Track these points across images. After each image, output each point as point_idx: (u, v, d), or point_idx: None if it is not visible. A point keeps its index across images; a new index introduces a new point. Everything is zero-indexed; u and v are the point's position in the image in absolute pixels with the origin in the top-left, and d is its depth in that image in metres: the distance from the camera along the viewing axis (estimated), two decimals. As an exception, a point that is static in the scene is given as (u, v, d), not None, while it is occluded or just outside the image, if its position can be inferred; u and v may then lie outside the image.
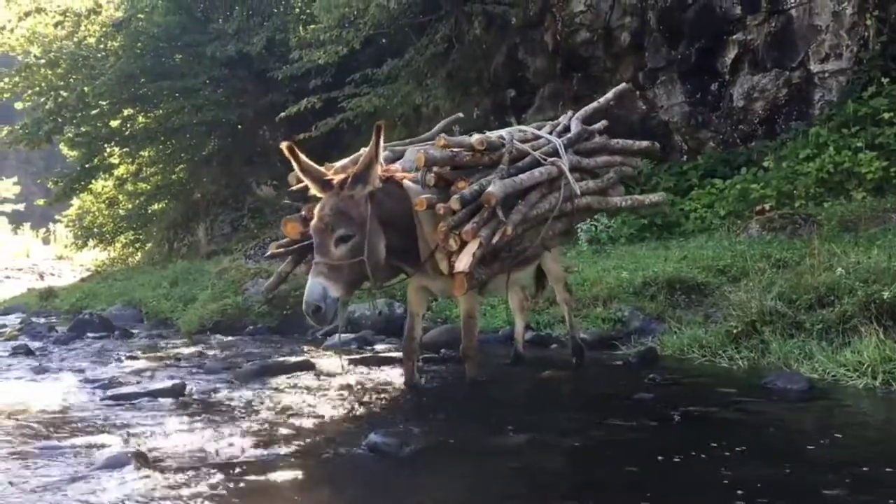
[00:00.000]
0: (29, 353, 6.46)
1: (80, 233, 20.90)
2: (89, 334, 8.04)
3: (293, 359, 5.43)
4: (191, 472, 2.97)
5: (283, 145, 3.96)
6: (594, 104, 5.41)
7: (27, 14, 16.38)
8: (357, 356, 5.70)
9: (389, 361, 5.40)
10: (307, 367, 5.15)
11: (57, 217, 27.42)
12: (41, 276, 20.93)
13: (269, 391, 4.49)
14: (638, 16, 11.31)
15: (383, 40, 14.74)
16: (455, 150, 4.21)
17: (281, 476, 2.95)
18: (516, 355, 5.34)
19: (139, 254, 20.30)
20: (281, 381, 4.77)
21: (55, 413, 4.05)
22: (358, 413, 3.98)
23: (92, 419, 3.85)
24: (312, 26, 14.08)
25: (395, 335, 6.76)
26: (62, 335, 8.00)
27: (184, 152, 18.11)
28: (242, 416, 3.86)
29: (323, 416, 3.87)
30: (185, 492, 2.76)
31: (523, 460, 3.09)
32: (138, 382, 4.76)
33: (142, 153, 18.19)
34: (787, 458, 2.95)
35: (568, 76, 12.28)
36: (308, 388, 4.55)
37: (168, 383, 4.53)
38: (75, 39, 16.37)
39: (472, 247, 3.90)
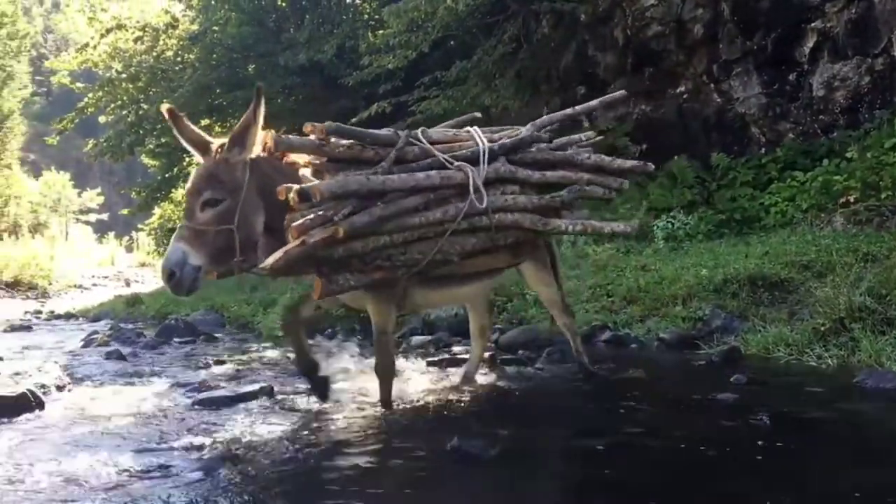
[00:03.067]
0: (121, 357, 6.71)
1: (161, 240, 21.58)
2: (175, 339, 8.30)
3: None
4: (281, 475, 3.06)
5: (164, 108, 3.85)
6: (567, 111, 4.88)
7: (109, 31, 17.03)
8: (434, 358, 5.75)
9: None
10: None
11: (139, 226, 28.43)
12: (127, 283, 21.69)
13: (354, 393, 4.57)
14: (711, 7, 11.07)
15: (451, 42, 14.80)
16: (321, 138, 3.77)
17: (367, 479, 3.01)
18: (465, 378, 4.85)
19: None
20: (363, 383, 4.84)
21: (151, 416, 4.21)
22: (439, 415, 4.02)
23: (186, 422, 3.99)
24: (381, 32, 14.24)
25: (470, 336, 6.80)
26: (150, 340, 8.28)
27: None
28: (329, 419, 3.95)
29: (406, 419, 3.92)
30: (275, 494, 2.84)
31: (608, 464, 3.07)
32: (227, 386, 4.90)
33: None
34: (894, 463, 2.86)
35: (639, 71, 12.10)
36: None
37: (256, 387, 4.66)
38: (154, 53, 16.95)
39: (291, 245, 3.57)
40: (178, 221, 18.91)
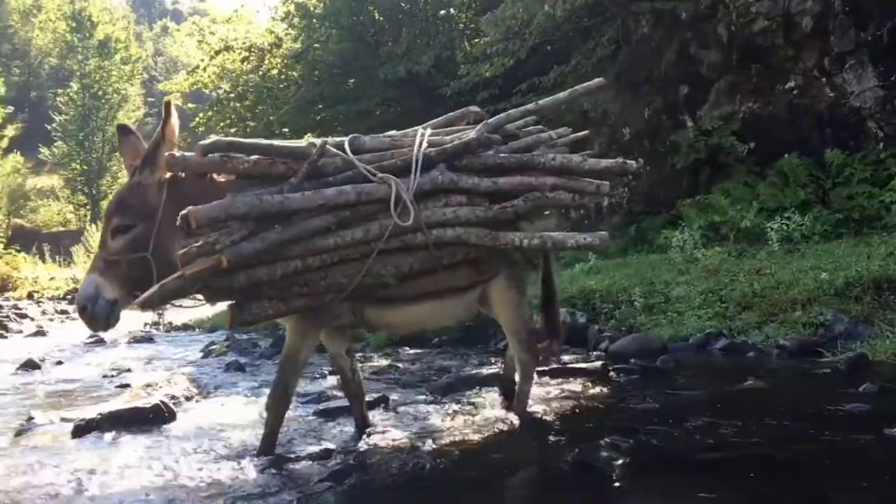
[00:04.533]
0: (240, 369, 6.98)
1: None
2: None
3: (484, 371, 5.53)
4: (404, 485, 3.12)
5: (119, 125, 3.79)
6: (528, 106, 4.30)
7: (218, 53, 17.79)
8: (543, 367, 5.72)
9: (578, 372, 5.38)
10: (497, 380, 5.21)
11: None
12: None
13: (466, 404, 4.61)
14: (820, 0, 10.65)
15: (548, 48, 14.74)
16: (223, 156, 3.43)
17: (487, 491, 3.03)
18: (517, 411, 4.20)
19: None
20: (475, 394, 4.88)
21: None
22: (557, 426, 4.00)
23: (310, 432, 4.12)
24: (477, 41, 14.35)
25: (579, 345, 6.75)
26: (265, 350, 8.56)
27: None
28: (444, 430, 3.99)
29: (522, 430, 3.93)
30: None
31: (734, 477, 3.00)
32: (344, 396, 5.02)
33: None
34: None
35: (745, 68, 11.73)
36: (498, 400, 4.63)
37: (371, 397, 4.76)
38: (260, 73, 17.59)
39: (170, 278, 3.18)
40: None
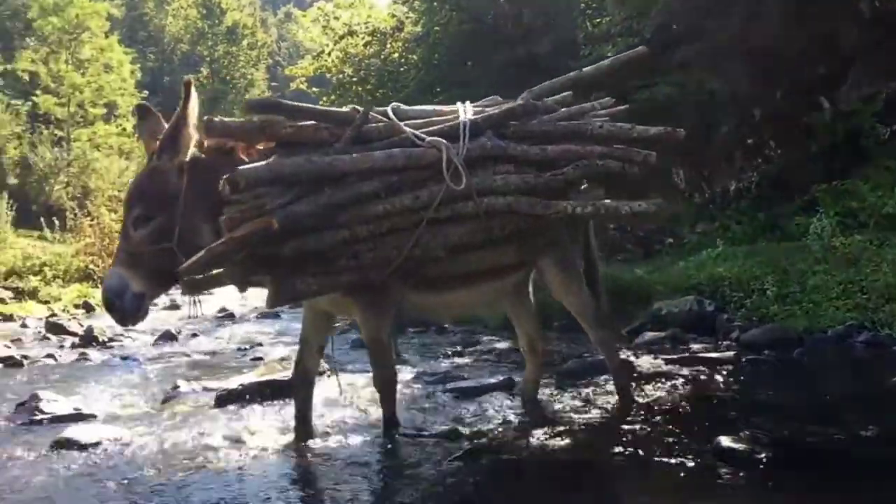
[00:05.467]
0: (363, 346, 7.14)
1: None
2: (409, 329, 8.67)
3: (612, 357, 5.45)
4: (532, 468, 3.13)
5: (138, 105, 3.64)
6: (570, 75, 4.11)
7: (342, 37, 18.19)
8: (673, 356, 5.60)
9: (708, 362, 5.23)
10: (626, 366, 5.13)
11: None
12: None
13: (592, 390, 4.57)
14: (978, -31, 9.87)
15: (674, 26, 14.27)
16: (263, 121, 3.33)
17: (623, 480, 3.01)
18: (526, 403, 4.25)
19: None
20: (601, 380, 4.82)
21: (404, 405, 4.46)
22: (690, 415, 3.92)
23: (438, 411, 4.20)
24: (600, 20, 14.07)
25: (706, 334, 6.56)
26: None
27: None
28: (572, 415, 3.97)
29: (653, 418, 3.86)
30: (534, 485, 2.91)
31: (880, 479, 2.86)
32: (470, 377, 5.08)
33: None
34: None
35: (890, 46, 11.02)
36: (634, 388, 4.56)
37: (498, 379, 4.79)
38: (382, 56, 17.87)
39: (216, 243, 3.08)
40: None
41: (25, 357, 7.06)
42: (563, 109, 3.89)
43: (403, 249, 3.37)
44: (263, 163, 3.17)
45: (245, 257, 3.19)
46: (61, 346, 8.10)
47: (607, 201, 3.70)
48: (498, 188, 3.52)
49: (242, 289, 3.61)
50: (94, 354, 7.20)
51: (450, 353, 6.39)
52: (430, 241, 3.42)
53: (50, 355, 7.26)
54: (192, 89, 3.31)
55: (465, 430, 3.70)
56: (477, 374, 5.16)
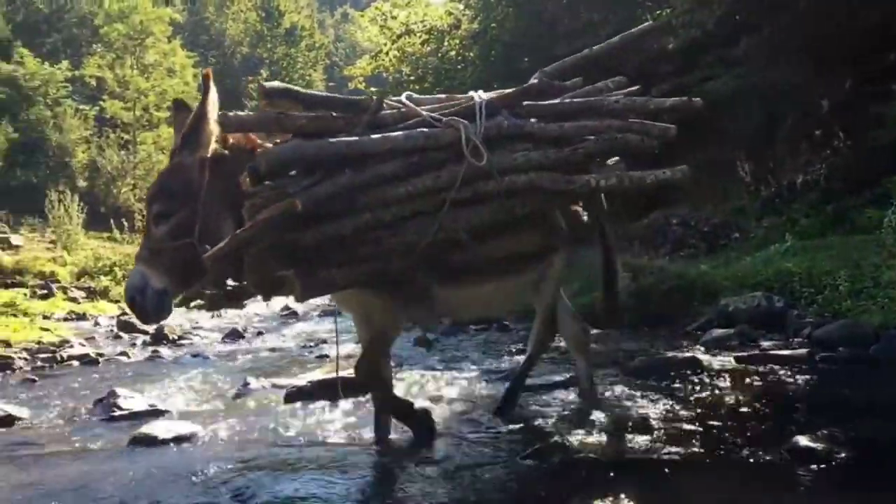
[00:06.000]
0: (427, 343, 7.19)
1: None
2: (471, 327, 8.67)
3: (680, 355, 5.37)
4: (607, 467, 3.11)
5: (174, 101, 3.55)
6: (584, 52, 4.06)
7: (399, 37, 18.29)
8: (742, 353, 5.48)
9: (780, 360, 5.10)
10: (694, 364, 5.06)
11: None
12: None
13: (663, 388, 4.52)
14: None
15: (737, 17, 13.98)
16: (279, 112, 3.25)
17: (700, 478, 2.96)
18: (583, 398, 4.21)
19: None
20: (672, 377, 4.75)
21: (473, 400, 4.49)
22: (764, 414, 3.84)
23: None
24: (660, 12, 13.85)
25: (776, 330, 6.40)
26: (446, 328, 8.73)
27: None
28: (644, 414, 3.92)
29: (727, 417, 3.80)
30: (608, 481, 2.88)
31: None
32: (535, 375, 5.06)
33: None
34: None
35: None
36: (704, 386, 4.49)
37: (565, 376, 4.77)
38: (439, 54, 17.90)
39: (242, 230, 3.04)
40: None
41: (100, 355, 7.30)
42: (582, 89, 3.83)
43: (426, 233, 3.31)
44: (285, 145, 3.17)
45: (267, 251, 3.17)
46: (133, 344, 8.34)
47: (631, 172, 3.61)
48: (519, 165, 3.45)
49: (267, 297, 3.57)
50: (165, 352, 7.41)
51: (513, 350, 6.37)
52: (453, 224, 3.35)
53: (123, 353, 7.49)
54: (212, 83, 3.28)
55: (533, 429, 3.69)
56: (541, 372, 5.13)
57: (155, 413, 4.49)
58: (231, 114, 3.23)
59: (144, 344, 8.35)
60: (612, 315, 4.33)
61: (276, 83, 3.45)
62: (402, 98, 3.60)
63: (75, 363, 6.84)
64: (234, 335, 8.73)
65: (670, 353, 5.53)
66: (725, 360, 5.27)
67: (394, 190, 3.25)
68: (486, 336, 7.93)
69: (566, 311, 4.27)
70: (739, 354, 5.38)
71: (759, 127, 12.23)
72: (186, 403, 4.82)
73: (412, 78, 18.02)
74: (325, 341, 7.93)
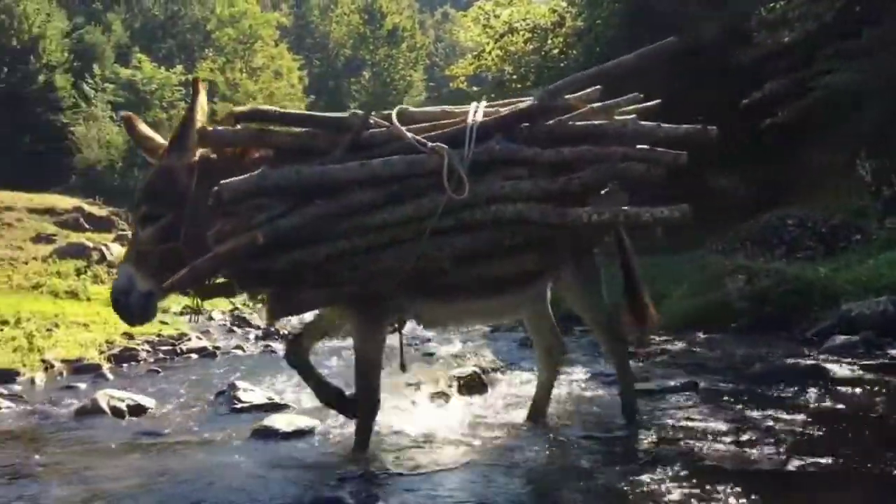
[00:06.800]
0: (532, 345, 7.14)
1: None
2: (576, 328, 8.54)
3: (802, 362, 5.16)
4: (727, 473, 3.01)
5: (123, 114, 3.45)
6: (595, 69, 3.73)
7: (502, 36, 18.28)
8: (868, 362, 5.21)
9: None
10: (818, 372, 4.83)
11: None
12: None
13: (787, 396, 4.35)
14: None
15: (857, 7, 13.31)
16: (259, 129, 3.27)
17: (829, 492, 2.84)
18: (533, 412, 4.01)
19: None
20: (795, 385, 4.56)
21: (586, 403, 4.45)
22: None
23: (615, 413, 4.11)
24: (774, 4, 13.33)
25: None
26: (553, 328, 8.66)
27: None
28: (769, 422, 3.78)
29: (854, 429, 3.63)
30: (723, 489, 2.79)
31: None
32: (650, 378, 4.97)
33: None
34: None
35: None
36: (830, 396, 4.30)
37: (680, 381, 4.66)
38: (542, 53, 17.79)
39: (203, 259, 3.02)
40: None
41: (217, 348, 7.59)
42: (587, 107, 3.57)
43: (407, 261, 3.23)
44: (248, 175, 3.09)
45: (238, 272, 3.21)
46: (247, 339, 8.64)
47: (627, 208, 3.36)
48: (507, 195, 3.28)
49: (247, 291, 3.61)
50: (278, 346, 7.62)
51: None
52: (435, 252, 3.25)
53: (238, 346, 7.77)
54: (200, 87, 3.33)
55: (651, 434, 3.61)
56: (655, 376, 5.03)
57: (274, 406, 4.62)
58: (210, 129, 3.24)
59: (257, 338, 8.64)
60: (642, 321, 4.04)
61: (246, 107, 3.47)
62: (393, 115, 3.47)
63: (194, 356, 7.13)
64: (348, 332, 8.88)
65: (791, 360, 5.32)
66: (851, 369, 5.01)
67: (370, 218, 3.18)
68: (592, 337, 7.80)
69: (542, 322, 4.08)
70: (866, 363, 5.12)
71: (881, 123, 11.62)
72: (303, 398, 4.93)
73: (514, 77, 17.98)
74: (429, 339, 7.99)
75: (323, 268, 3.19)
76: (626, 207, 3.34)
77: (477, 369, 4.99)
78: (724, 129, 3.58)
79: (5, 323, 7.51)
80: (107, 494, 3.01)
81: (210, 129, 3.24)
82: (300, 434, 3.91)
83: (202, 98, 3.33)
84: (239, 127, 3.32)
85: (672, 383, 4.65)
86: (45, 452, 3.64)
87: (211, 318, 11.45)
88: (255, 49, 43.18)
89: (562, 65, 17.19)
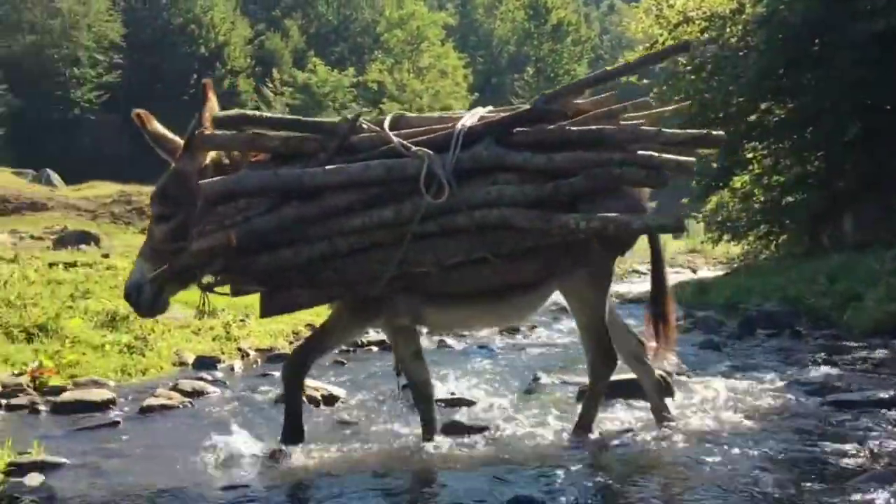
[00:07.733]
0: (716, 348, 6.85)
1: (715, 227, 21.56)
2: (759, 331, 8.11)
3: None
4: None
5: (134, 113, 3.41)
6: (596, 73, 3.84)
7: (676, 26, 17.62)
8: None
9: None
10: None
11: (692, 213, 29.01)
12: (694, 271, 22.37)
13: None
14: None
15: None
16: (252, 133, 3.36)
17: None
18: (655, 413, 3.87)
19: (771, 247, 20.03)
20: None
21: (779, 413, 4.20)
22: None
23: (825, 427, 3.87)
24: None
25: None
26: (733, 331, 8.26)
27: (823, 140, 17.27)
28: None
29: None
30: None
31: None
32: (854, 389, 4.62)
33: (779, 145, 17.91)
34: None
35: None
36: None
37: (890, 393, 4.30)
38: (719, 42, 16.98)
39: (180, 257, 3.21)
40: (732, 209, 18.60)
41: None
42: (590, 112, 3.55)
43: (390, 265, 3.28)
44: (226, 177, 3.27)
45: (222, 271, 3.35)
46: (420, 332, 8.80)
47: (615, 215, 3.28)
48: (491, 201, 3.29)
49: (237, 288, 3.63)
50: (452, 342, 7.72)
51: (818, 360, 5.83)
52: (418, 256, 3.30)
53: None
54: (211, 91, 3.45)
55: (863, 451, 3.36)
56: (859, 386, 4.68)
57: (457, 402, 4.69)
58: (206, 133, 3.37)
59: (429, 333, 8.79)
60: (661, 337, 3.86)
61: (228, 111, 3.53)
62: (386, 121, 3.56)
63: (374, 348, 7.35)
64: (511, 328, 8.90)
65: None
66: None
67: (350, 221, 3.26)
68: (779, 342, 7.39)
69: (620, 326, 3.97)
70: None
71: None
72: (482, 394, 4.98)
73: (688, 68, 17.26)
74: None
75: (307, 269, 3.32)
76: (615, 215, 3.29)
77: (662, 373, 4.84)
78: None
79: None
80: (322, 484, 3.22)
81: (207, 133, 3.39)
82: (482, 430, 3.96)
83: (212, 102, 3.47)
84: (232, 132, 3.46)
85: (879, 395, 4.29)
86: (257, 437, 3.80)
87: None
88: (422, 49, 44.21)
89: (741, 54, 16.34)
